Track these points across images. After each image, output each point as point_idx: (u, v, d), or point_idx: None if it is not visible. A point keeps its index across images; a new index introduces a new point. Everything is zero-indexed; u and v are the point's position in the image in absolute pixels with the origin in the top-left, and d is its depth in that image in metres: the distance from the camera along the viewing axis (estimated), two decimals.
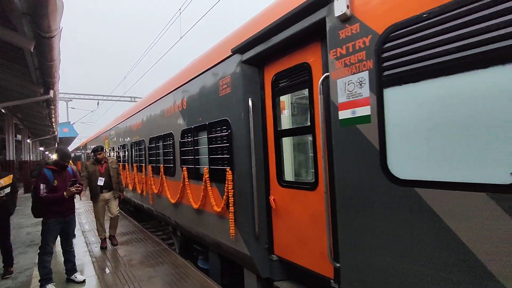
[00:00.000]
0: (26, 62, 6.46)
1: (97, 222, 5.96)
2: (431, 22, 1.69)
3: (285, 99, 3.23)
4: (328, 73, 2.35)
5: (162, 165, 5.79)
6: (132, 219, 8.71)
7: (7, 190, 4.78)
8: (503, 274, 1.46)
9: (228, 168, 3.57)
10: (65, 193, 4.03)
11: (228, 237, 3.64)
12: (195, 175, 4.46)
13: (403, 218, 1.85)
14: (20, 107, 11.55)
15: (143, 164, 7.18)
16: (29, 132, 19.24)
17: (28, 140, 19.19)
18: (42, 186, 3.92)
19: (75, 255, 4.50)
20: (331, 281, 2.54)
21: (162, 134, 5.80)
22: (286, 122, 3.22)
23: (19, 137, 17.49)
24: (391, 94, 1.90)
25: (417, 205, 1.78)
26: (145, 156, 7.05)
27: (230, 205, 3.54)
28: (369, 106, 2.01)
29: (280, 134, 3.14)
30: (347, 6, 2.12)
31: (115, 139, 11.01)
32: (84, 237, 6.74)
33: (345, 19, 2.17)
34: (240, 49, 3.33)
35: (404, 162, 1.85)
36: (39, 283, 4.04)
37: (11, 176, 4.94)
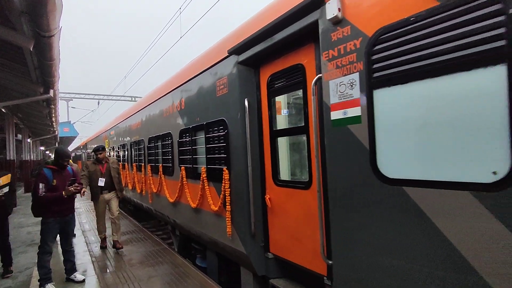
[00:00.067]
0: (25, 61, 6.46)
1: (97, 221, 5.97)
2: (418, 25, 1.74)
3: (280, 100, 3.27)
4: (321, 75, 2.40)
5: (161, 165, 5.84)
6: (132, 219, 8.76)
7: (5, 189, 4.75)
8: (485, 270, 1.51)
9: (225, 168, 3.62)
10: (63, 193, 4.05)
11: (225, 236, 3.70)
12: (193, 174, 4.51)
13: (392, 216, 1.90)
14: (21, 107, 11.59)
15: (143, 164, 7.24)
16: (30, 132, 19.28)
17: (29, 140, 19.23)
18: (41, 185, 3.93)
19: (75, 254, 4.52)
20: (324, 278, 2.59)
21: (161, 134, 5.85)
22: (281, 122, 3.27)
23: (19, 136, 17.52)
24: (381, 95, 1.95)
25: (405, 203, 1.83)
26: (144, 156, 7.10)
27: (227, 204, 3.59)
28: (359, 107, 2.06)
29: (275, 134, 3.18)
30: (339, 9, 2.17)
31: (115, 139, 11.06)
32: (84, 237, 6.79)
33: (337, 22, 2.22)
34: (236, 50, 3.38)
35: (393, 161, 1.90)
36: (39, 283, 4.06)
37: (9, 175, 4.91)
